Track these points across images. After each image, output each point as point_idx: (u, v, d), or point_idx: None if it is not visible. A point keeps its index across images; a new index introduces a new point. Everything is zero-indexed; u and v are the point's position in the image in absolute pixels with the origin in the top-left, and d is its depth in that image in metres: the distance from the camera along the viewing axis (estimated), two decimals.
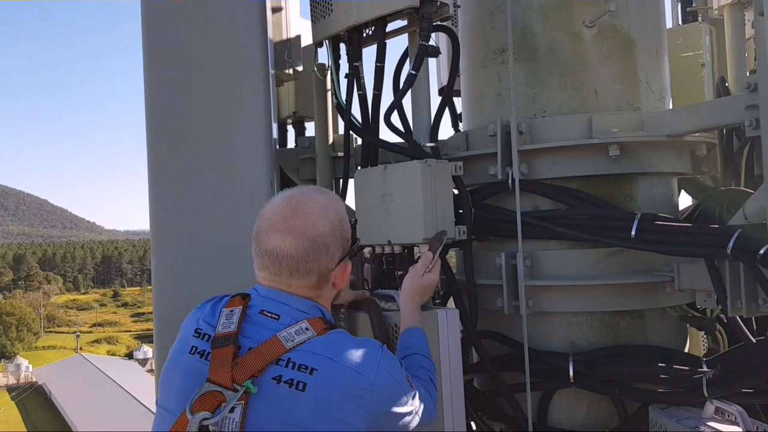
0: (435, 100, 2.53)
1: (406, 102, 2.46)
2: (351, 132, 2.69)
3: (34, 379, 53.44)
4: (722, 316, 2.41)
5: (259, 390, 1.39)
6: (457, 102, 3.00)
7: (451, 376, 1.98)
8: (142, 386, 37.22)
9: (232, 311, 1.54)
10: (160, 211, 2.60)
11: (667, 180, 2.52)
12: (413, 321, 1.91)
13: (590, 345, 2.39)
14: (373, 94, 2.55)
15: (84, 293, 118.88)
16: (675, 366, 2.24)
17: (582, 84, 2.44)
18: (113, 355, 65.15)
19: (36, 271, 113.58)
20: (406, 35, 2.51)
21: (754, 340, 2.43)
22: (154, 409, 1.64)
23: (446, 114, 2.55)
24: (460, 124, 3.00)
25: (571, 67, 2.44)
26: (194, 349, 1.53)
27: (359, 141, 2.86)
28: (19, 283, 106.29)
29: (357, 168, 2.66)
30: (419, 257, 2.16)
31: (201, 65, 2.57)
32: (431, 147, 2.42)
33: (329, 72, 2.87)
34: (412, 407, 1.56)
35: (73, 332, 73.23)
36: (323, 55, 2.91)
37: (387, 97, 2.50)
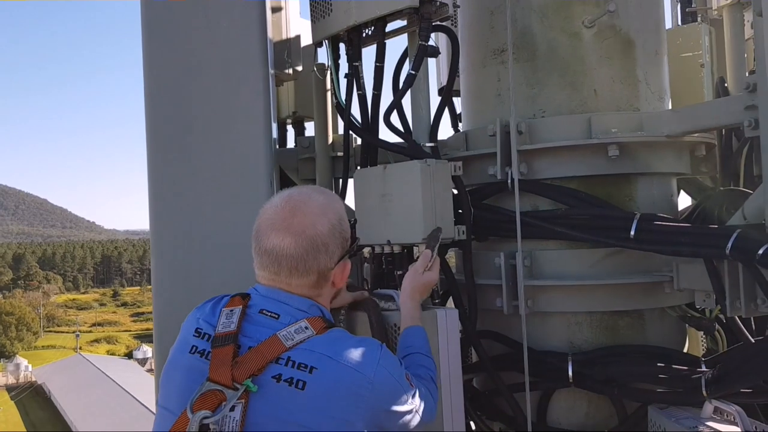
0: (434, 100, 2.54)
1: (406, 102, 2.47)
2: (350, 132, 2.69)
3: (33, 379, 53.40)
4: (721, 316, 2.41)
5: (259, 389, 1.39)
6: (457, 102, 3.00)
7: (451, 375, 1.98)
8: (141, 386, 37.21)
9: (232, 311, 1.55)
10: (159, 211, 2.60)
11: (666, 180, 2.53)
12: (414, 319, 1.91)
13: (589, 345, 2.39)
14: (373, 94, 2.55)
15: (83, 293, 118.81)
16: (674, 366, 2.25)
17: (581, 84, 2.45)
18: (113, 354, 65.11)
19: (35, 271, 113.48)
20: (405, 35, 2.51)
21: (752, 340, 2.44)
22: (153, 408, 1.64)
23: (446, 114, 2.56)
24: (460, 124, 3.00)
25: (570, 67, 2.45)
26: (194, 348, 1.53)
27: (359, 141, 2.86)
28: (19, 282, 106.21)
29: (356, 168, 2.66)
30: (418, 257, 2.16)
31: (201, 65, 2.57)
32: (431, 147, 2.43)
33: (329, 72, 2.87)
34: (412, 406, 1.57)
35: (73, 332, 73.18)
36: (323, 55, 2.92)
37: (387, 97, 2.51)
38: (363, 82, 2.60)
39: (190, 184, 2.56)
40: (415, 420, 1.59)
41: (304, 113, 3.36)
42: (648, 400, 2.27)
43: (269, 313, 1.54)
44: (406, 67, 2.46)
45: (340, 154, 2.88)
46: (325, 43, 2.71)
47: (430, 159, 2.26)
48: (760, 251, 1.88)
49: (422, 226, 2.17)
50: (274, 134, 2.74)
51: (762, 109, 2.00)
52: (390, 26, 2.51)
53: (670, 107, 2.62)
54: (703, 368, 2.23)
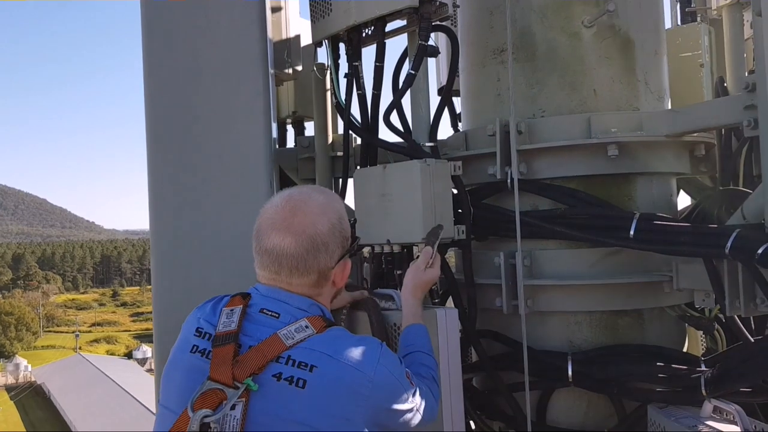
0: (434, 100, 2.54)
1: (406, 102, 2.47)
2: (350, 131, 2.70)
3: (33, 379, 53.38)
4: (720, 315, 2.41)
5: (259, 387, 1.40)
6: (457, 102, 3.00)
7: (450, 375, 1.98)
8: (141, 386, 37.19)
9: (232, 310, 1.55)
10: (159, 211, 2.60)
11: (665, 180, 2.53)
12: (415, 317, 1.92)
13: (589, 344, 2.40)
14: (373, 94, 2.56)
15: (83, 293, 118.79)
16: (673, 365, 2.25)
17: (581, 84, 2.45)
18: (112, 354, 65.10)
19: (35, 271, 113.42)
20: (405, 35, 2.51)
21: (752, 340, 2.44)
22: (153, 408, 1.65)
23: (445, 114, 2.56)
24: (460, 124, 3.00)
25: (570, 67, 2.45)
26: (195, 347, 1.53)
27: (358, 140, 2.86)
28: (18, 282, 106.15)
29: (356, 167, 2.66)
30: (418, 256, 2.16)
31: (200, 65, 2.58)
32: (430, 147, 2.43)
33: (329, 72, 2.88)
34: (412, 404, 1.57)
35: (72, 332, 73.17)
36: (323, 55, 2.92)
37: (386, 97, 2.51)
38: (363, 82, 2.60)
39: (190, 184, 2.57)
40: (416, 418, 1.59)
41: (303, 113, 3.36)
42: (647, 400, 2.27)
43: (270, 312, 1.54)
44: (406, 67, 2.46)
45: (339, 153, 2.88)
46: (325, 42, 2.71)
47: (430, 159, 2.26)
48: (760, 251, 1.88)
49: (422, 226, 2.17)
50: (274, 134, 2.75)
51: (761, 108, 2.00)
52: (390, 26, 2.52)
53: (669, 107, 2.63)
54: (703, 367, 2.24)
